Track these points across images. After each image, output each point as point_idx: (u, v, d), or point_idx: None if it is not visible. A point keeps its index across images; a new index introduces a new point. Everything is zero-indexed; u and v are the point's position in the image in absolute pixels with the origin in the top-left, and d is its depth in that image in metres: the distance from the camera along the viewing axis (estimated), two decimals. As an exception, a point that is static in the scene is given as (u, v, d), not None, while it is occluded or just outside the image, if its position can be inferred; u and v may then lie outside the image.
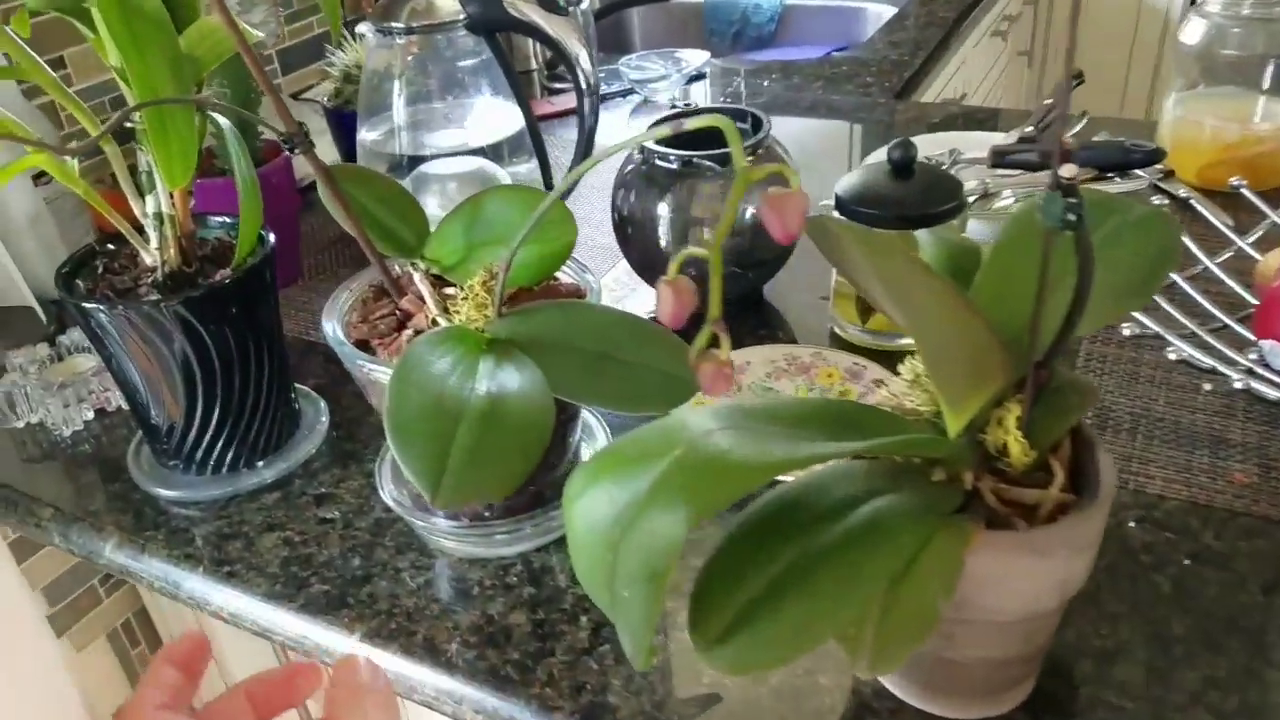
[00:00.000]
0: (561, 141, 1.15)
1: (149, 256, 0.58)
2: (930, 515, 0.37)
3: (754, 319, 0.79)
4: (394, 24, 0.75)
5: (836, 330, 0.76)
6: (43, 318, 0.82)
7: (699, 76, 1.33)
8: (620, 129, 1.21)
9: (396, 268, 0.57)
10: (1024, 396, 0.38)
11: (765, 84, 1.29)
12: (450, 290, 0.56)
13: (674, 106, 1.26)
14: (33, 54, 0.52)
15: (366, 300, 0.57)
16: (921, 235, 0.49)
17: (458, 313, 0.50)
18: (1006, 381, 0.37)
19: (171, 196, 0.56)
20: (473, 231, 0.55)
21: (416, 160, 0.81)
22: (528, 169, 0.87)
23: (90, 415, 0.70)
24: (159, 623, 1.03)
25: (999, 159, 0.83)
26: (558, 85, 1.33)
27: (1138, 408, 0.62)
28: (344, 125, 0.93)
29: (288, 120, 0.48)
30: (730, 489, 0.33)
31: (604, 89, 1.30)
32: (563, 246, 0.54)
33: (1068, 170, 0.33)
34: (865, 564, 0.35)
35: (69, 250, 0.87)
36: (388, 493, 0.55)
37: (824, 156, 1.12)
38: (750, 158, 0.74)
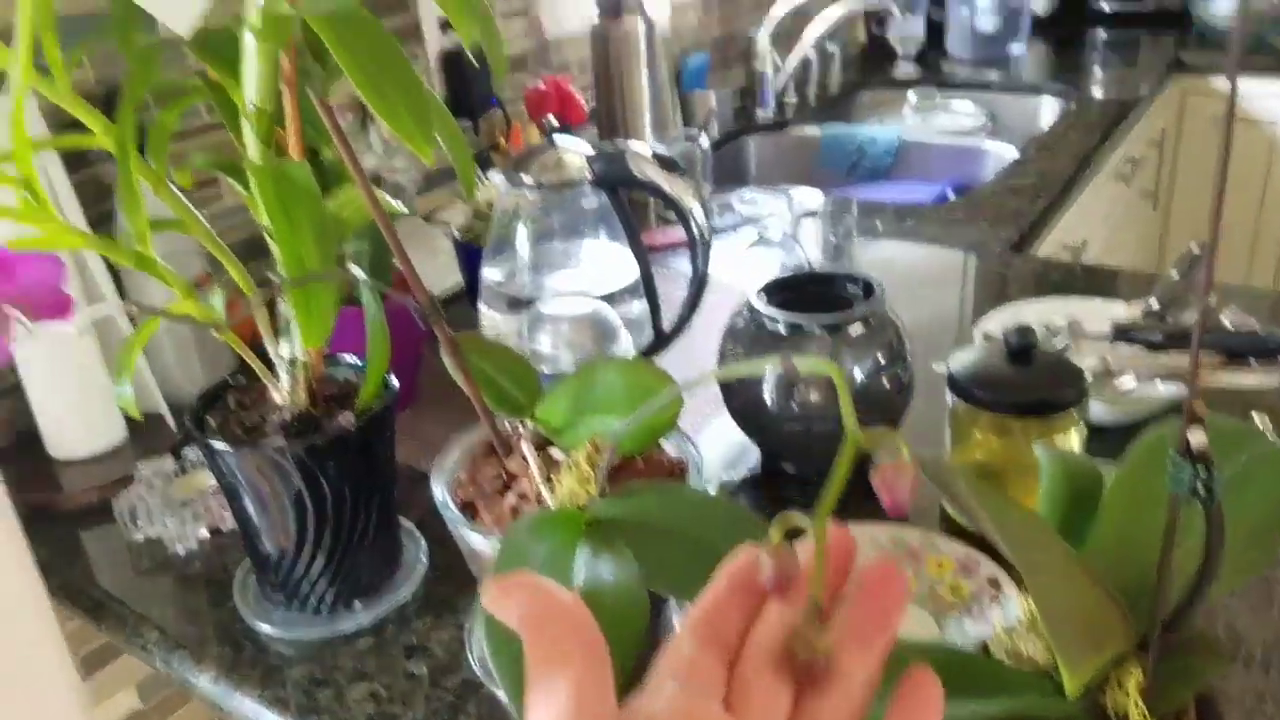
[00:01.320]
0: (673, 274, 1.17)
1: (278, 396, 0.61)
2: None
3: (861, 484, 0.77)
4: (524, 177, 0.79)
5: (948, 507, 0.73)
6: (172, 425, 0.86)
7: (812, 213, 1.34)
8: (733, 263, 1.23)
9: (506, 424, 0.58)
10: (1147, 657, 0.35)
11: (878, 224, 1.30)
12: (555, 452, 0.57)
13: (786, 237, 1.28)
14: (193, 209, 0.56)
15: (475, 458, 0.58)
16: (1039, 452, 0.47)
17: (560, 483, 0.51)
18: (1127, 645, 0.35)
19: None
20: (582, 399, 0.56)
21: (533, 300, 0.84)
22: (640, 310, 0.88)
23: (205, 534, 0.73)
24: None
25: (1121, 337, 0.81)
26: (670, 216, 1.36)
27: (1270, 635, 0.58)
28: (471, 259, 0.97)
29: (420, 293, 0.51)
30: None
31: (718, 221, 1.33)
32: (667, 420, 0.54)
33: (1198, 438, 0.32)
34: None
35: (203, 358, 0.93)
36: (476, 659, 0.56)
37: (937, 285, 1.11)
38: (862, 329, 0.73)
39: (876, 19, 2.23)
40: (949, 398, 0.71)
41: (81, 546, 0.75)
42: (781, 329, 0.74)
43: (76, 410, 0.83)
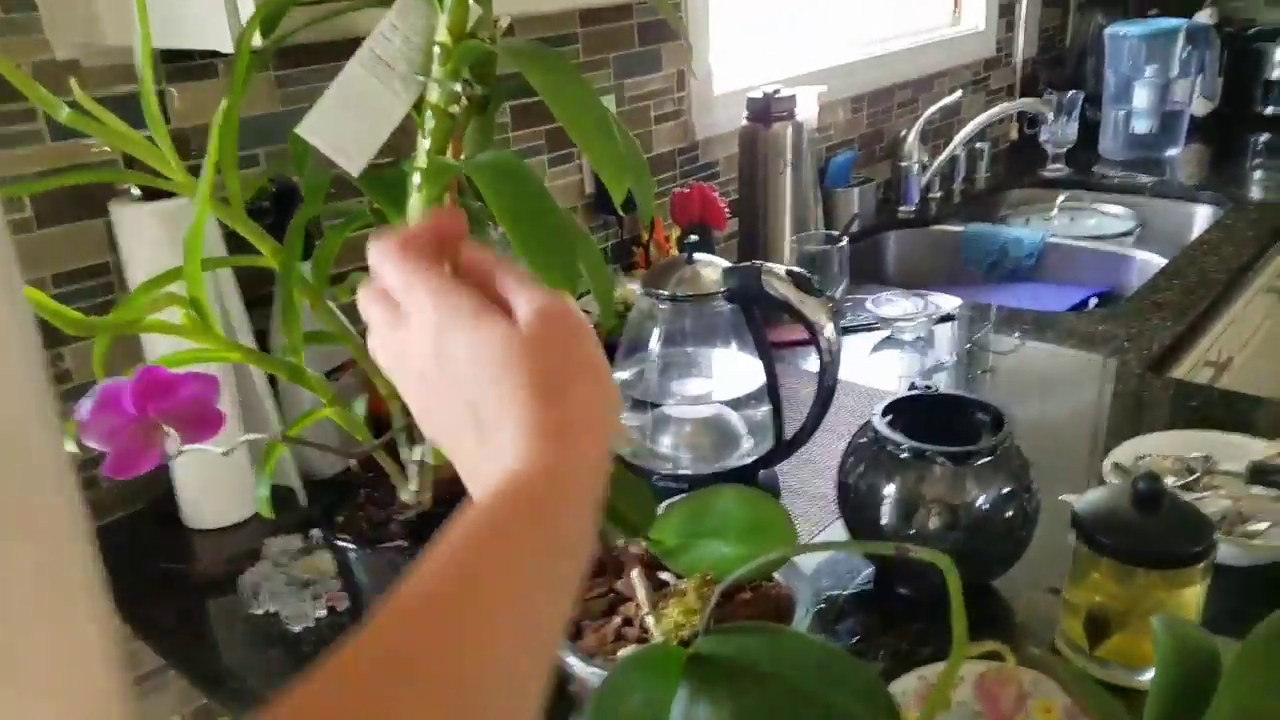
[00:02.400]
0: (800, 373, 1.18)
1: (406, 495, 0.65)
2: None
3: (974, 611, 0.76)
4: (661, 291, 0.82)
5: (1061, 647, 0.71)
6: (303, 501, 0.92)
7: (948, 318, 1.33)
8: (861, 363, 1.23)
9: (619, 543, 0.60)
10: None
11: (1015, 335, 1.27)
12: (665, 575, 0.59)
13: (919, 340, 1.27)
14: (346, 324, 0.61)
15: (584, 575, 0.60)
16: (1156, 624, 0.46)
17: (666, 615, 0.52)
18: None
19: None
20: (697, 523, 0.58)
21: (658, 403, 0.87)
22: (764, 416, 0.89)
23: (323, 613, 0.77)
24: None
25: (1257, 477, 0.77)
26: (804, 312, 1.37)
27: None
28: (606, 353, 1.00)
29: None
30: None
31: (851, 320, 1.33)
32: (780, 559, 0.55)
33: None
34: None
35: (337, 436, 0.99)
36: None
37: (1073, 396, 1.08)
38: (988, 458, 0.72)
39: (1029, 118, 2.19)
40: (1071, 536, 0.69)
41: (205, 615, 0.80)
42: (904, 453, 0.74)
43: (214, 486, 0.89)
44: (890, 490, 0.74)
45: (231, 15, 0.61)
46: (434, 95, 0.53)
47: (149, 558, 0.87)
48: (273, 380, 0.92)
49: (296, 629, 0.76)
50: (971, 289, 1.69)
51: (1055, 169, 2.07)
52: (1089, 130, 2.15)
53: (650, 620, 0.53)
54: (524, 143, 1.22)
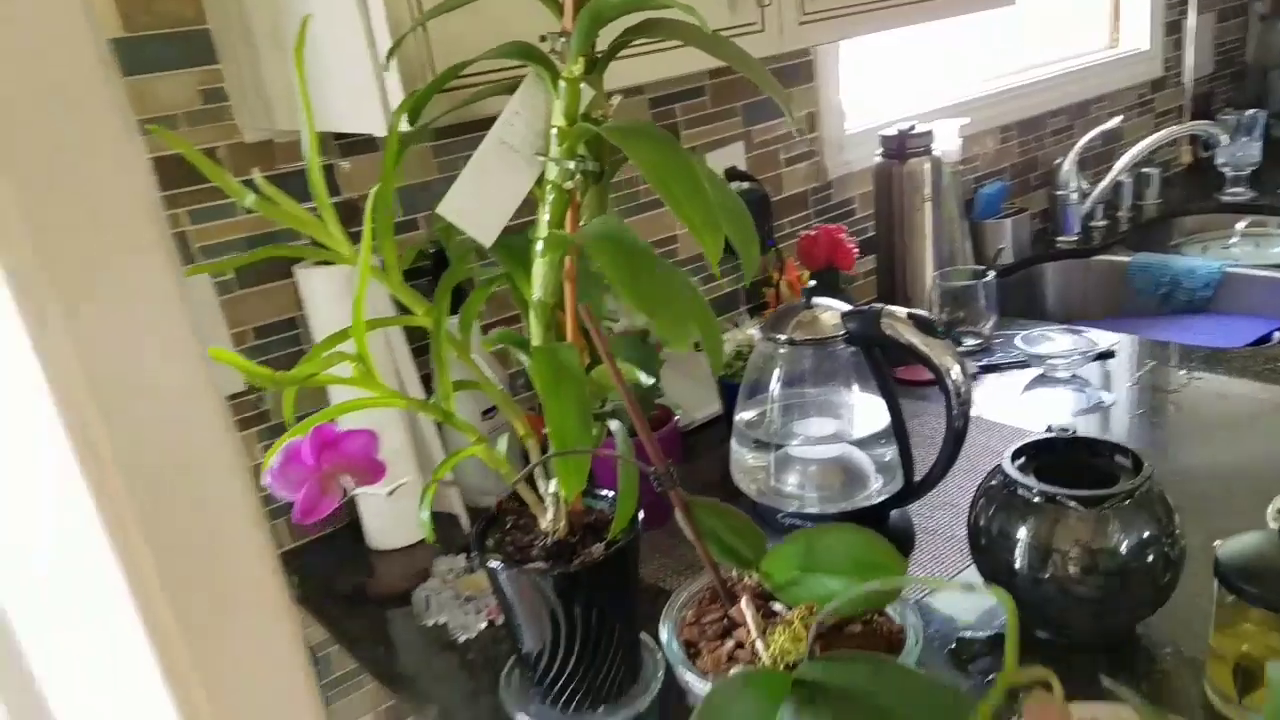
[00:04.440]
0: (939, 411, 1.17)
1: (544, 523, 0.71)
2: None
3: (1112, 661, 0.74)
4: (779, 335, 0.85)
5: (1211, 696, 0.68)
6: (465, 527, 1.00)
7: (1107, 354, 1.28)
8: (1011, 400, 1.20)
9: (734, 573, 0.63)
10: None
11: (1183, 374, 1.21)
12: (776, 606, 0.61)
13: (1075, 378, 1.23)
14: (489, 373, 0.67)
15: (702, 602, 0.63)
16: (1271, 671, 0.45)
17: (774, 641, 0.55)
18: None
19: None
20: (808, 558, 0.60)
21: (781, 444, 0.89)
22: (892, 456, 0.90)
23: (484, 625, 0.85)
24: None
25: None
26: (950, 350, 1.36)
27: None
28: (729, 392, 1.04)
29: (658, 461, 0.58)
30: None
31: (1001, 358, 1.31)
32: (889, 594, 0.57)
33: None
34: None
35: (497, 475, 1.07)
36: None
37: (1245, 427, 1.02)
38: (1127, 501, 0.71)
39: (1204, 141, 2.08)
40: (1215, 583, 0.66)
41: (386, 624, 0.89)
42: (1035, 497, 0.73)
43: (391, 514, 0.99)
44: (1022, 534, 0.74)
45: (384, 104, 0.70)
46: (552, 173, 0.59)
47: (341, 575, 0.98)
48: (442, 436, 1.03)
49: (461, 638, 0.84)
50: (1140, 323, 1.61)
51: (1235, 193, 1.95)
52: (1275, 151, 2.01)
53: (760, 645, 0.56)
54: (651, 194, 1.28)
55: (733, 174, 1.36)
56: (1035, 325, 1.37)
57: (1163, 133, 1.74)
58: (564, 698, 0.72)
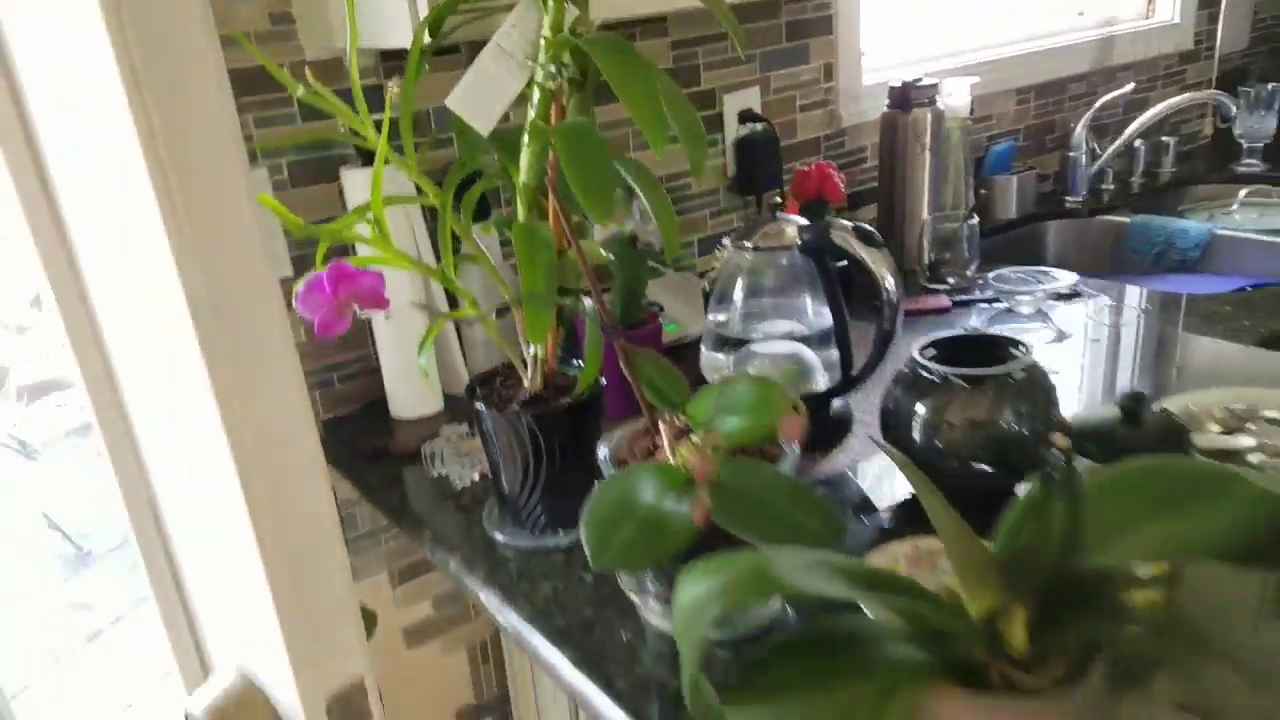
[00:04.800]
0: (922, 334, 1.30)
1: (526, 381, 0.87)
2: (924, 664, 0.49)
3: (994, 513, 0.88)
4: (746, 244, 1.00)
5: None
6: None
7: (1072, 295, 1.40)
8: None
9: (666, 415, 0.79)
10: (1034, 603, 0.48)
11: (1137, 312, 1.32)
12: (694, 438, 0.77)
13: (1038, 313, 1.35)
14: (484, 250, 0.84)
15: (635, 434, 0.79)
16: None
17: (680, 453, 0.71)
18: (1006, 591, 0.48)
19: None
20: (720, 400, 0.76)
21: (745, 341, 1.04)
22: (835, 356, 1.04)
23: (476, 477, 1.02)
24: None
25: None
26: (934, 286, 1.48)
27: None
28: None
29: (605, 318, 0.74)
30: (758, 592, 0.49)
31: (976, 295, 1.43)
32: (767, 427, 0.72)
33: (1062, 441, 0.45)
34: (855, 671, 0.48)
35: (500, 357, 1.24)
36: (623, 582, 0.77)
37: (1178, 364, 1.14)
38: (1009, 380, 0.84)
39: (1223, 114, 2.13)
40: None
41: (401, 478, 1.06)
42: (933, 377, 0.87)
43: (411, 385, 1.16)
44: (920, 409, 0.88)
45: (414, 19, 0.86)
46: (539, 76, 0.75)
47: (367, 438, 1.15)
48: (458, 330, 1.20)
49: (458, 486, 1.01)
50: (1132, 279, 1.71)
51: (1250, 164, 2.01)
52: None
53: (670, 456, 0.71)
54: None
55: (746, 115, 1.50)
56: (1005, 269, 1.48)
57: (1174, 100, 1.81)
58: (532, 521, 0.89)
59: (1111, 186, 1.94)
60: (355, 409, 1.24)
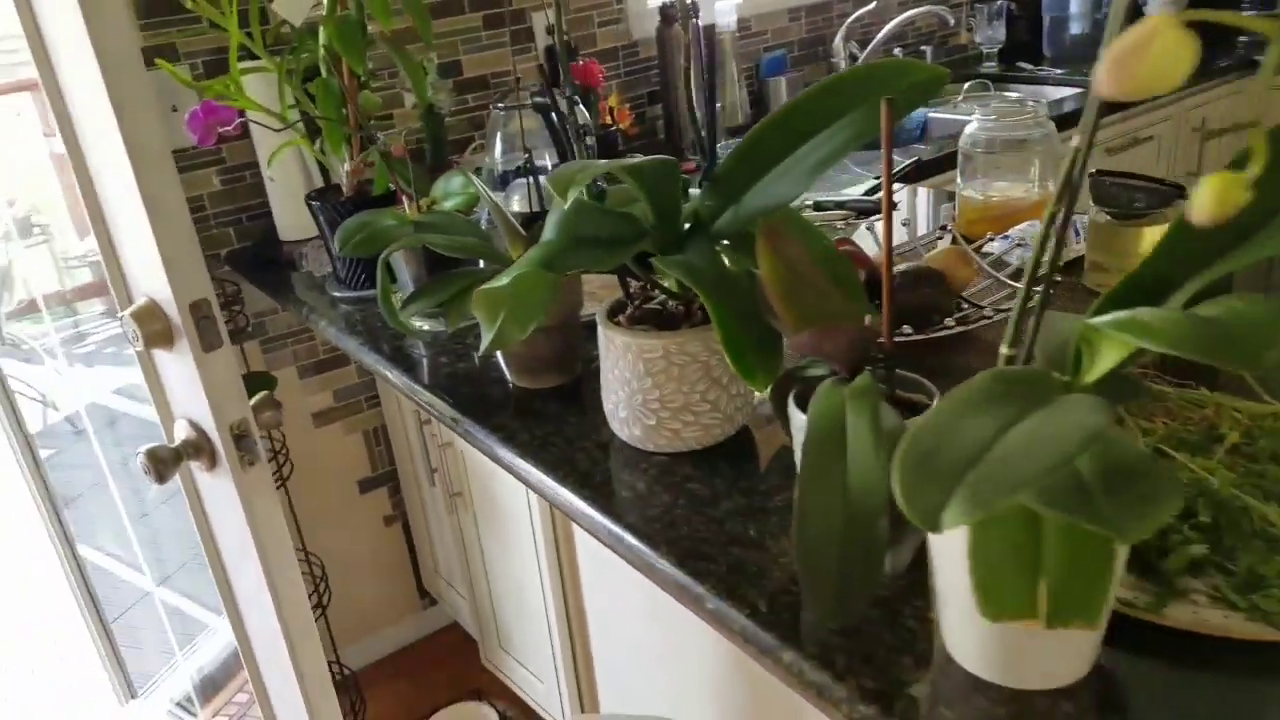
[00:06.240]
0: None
1: (345, 189, 1.39)
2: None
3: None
4: (499, 105, 1.52)
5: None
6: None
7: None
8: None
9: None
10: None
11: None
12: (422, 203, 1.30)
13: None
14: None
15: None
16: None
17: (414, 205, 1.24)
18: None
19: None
20: (446, 186, 1.29)
21: (504, 180, 1.57)
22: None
23: (326, 266, 1.55)
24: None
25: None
26: (691, 156, 2.01)
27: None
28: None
29: (387, 149, 1.26)
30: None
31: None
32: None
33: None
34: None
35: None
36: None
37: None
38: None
39: (943, 24, 2.66)
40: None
41: (287, 278, 1.59)
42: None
43: (291, 218, 1.69)
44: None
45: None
46: (329, -6, 1.26)
47: (261, 254, 1.68)
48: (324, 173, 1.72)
49: (318, 274, 1.54)
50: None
51: (988, 67, 2.54)
52: (1015, 33, 2.60)
53: (405, 203, 1.24)
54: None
55: (550, 30, 2.00)
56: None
57: (904, 15, 2.33)
58: (352, 280, 1.42)
59: (871, 86, 2.46)
60: (258, 240, 1.76)
